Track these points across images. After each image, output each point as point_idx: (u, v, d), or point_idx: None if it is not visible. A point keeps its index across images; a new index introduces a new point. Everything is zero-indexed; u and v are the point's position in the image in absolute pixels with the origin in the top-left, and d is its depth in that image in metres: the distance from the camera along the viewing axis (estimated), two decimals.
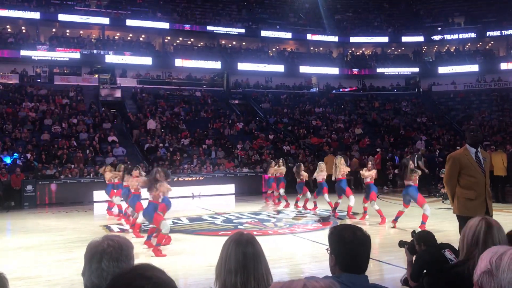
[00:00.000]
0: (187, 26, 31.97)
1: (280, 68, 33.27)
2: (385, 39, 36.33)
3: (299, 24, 35.88)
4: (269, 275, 2.11)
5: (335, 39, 35.39)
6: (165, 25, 31.33)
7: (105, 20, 29.94)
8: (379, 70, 35.26)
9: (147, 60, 30.14)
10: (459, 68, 34.14)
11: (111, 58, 29.14)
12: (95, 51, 29.09)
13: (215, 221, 11.28)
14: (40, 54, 27.66)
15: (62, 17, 28.83)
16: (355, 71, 35.25)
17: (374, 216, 10.55)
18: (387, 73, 35.34)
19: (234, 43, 35.20)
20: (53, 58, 28.02)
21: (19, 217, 13.16)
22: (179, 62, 30.93)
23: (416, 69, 35.47)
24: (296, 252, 7.95)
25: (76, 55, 28.47)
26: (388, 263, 6.69)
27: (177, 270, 6.66)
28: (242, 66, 32.24)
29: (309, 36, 35.10)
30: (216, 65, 31.68)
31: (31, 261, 7.38)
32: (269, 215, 12.20)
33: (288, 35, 34.61)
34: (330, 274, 2.24)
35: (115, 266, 1.85)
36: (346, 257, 2.15)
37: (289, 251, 7.93)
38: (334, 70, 34.61)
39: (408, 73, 35.69)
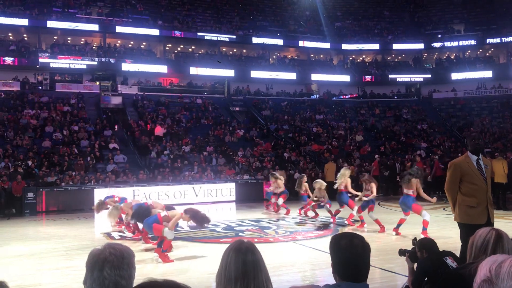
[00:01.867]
0: (178, 33, 32.05)
1: (292, 75, 33.58)
2: (377, 46, 36.33)
3: (299, 31, 35.99)
4: (269, 283, 2.11)
5: (327, 45, 35.52)
6: (155, 32, 31.40)
7: (95, 27, 29.97)
8: (391, 76, 35.33)
9: (163, 68, 30.47)
10: (472, 75, 34.16)
11: (127, 66, 29.53)
12: (113, 60, 29.47)
13: (215, 228, 11.23)
14: (59, 61, 27.95)
15: (51, 23, 28.86)
16: (368, 78, 35.26)
17: (373, 224, 10.52)
18: (400, 80, 35.43)
19: (235, 50, 35.32)
20: (70, 66, 28.39)
21: (20, 224, 13.13)
22: (193, 70, 31.20)
23: (428, 75, 35.54)
24: (297, 259, 7.92)
25: (93, 62, 28.78)
26: (389, 271, 6.66)
27: (177, 278, 6.63)
28: (255, 74, 32.52)
29: (301, 43, 35.19)
30: (230, 72, 31.97)
31: (31, 269, 7.36)
32: (270, 223, 12.18)
33: (280, 41, 34.69)
34: (331, 282, 2.24)
35: (117, 274, 1.87)
36: (342, 265, 2.16)
37: (290, 258, 7.91)
38: (345, 78, 34.75)
39: (420, 79, 35.71)
